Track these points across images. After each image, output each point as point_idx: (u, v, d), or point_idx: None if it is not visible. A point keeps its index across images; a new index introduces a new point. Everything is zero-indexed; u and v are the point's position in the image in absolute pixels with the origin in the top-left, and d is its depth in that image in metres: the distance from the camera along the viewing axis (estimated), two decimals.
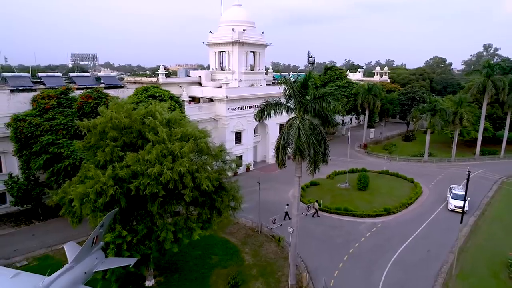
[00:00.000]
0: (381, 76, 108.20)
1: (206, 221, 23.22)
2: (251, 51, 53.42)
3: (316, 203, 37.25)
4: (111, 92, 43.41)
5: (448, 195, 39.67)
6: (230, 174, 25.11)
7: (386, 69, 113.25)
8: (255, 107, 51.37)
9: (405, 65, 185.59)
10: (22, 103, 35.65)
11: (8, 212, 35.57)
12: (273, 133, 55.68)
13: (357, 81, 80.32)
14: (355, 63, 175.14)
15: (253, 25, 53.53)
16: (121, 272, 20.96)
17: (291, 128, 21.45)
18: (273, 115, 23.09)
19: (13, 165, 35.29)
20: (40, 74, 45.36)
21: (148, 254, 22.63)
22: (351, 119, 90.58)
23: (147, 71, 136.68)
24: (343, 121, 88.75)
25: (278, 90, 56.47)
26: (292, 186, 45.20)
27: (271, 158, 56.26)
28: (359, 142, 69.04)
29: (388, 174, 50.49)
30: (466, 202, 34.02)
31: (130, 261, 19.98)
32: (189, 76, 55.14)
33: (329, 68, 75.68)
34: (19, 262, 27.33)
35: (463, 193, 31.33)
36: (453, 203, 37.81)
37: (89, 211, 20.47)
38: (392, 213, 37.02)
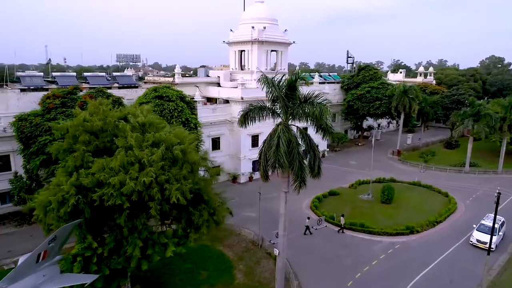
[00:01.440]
0: (425, 77, 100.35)
1: (183, 237, 20.95)
2: (272, 50, 50.61)
3: (342, 218, 33.41)
4: (124, 92, 42.84)
5: (475, 226, 31.44)
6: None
7: (431, 69, 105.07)
8: None
9: (458, 65, 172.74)
10: (31, 102, 35.72)
11: (15, 210, 35.75)
12: None
13: (396, 82, 74.42)
14: (403, 63, 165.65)
15: (275, 22, 50.68)
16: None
17: (274, 135, 18.56)
18: (257, 120, 20.28)
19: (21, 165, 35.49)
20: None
21: (123, 268, 20.82)
22: (388, 123, 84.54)
23: (191, 71, 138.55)
24: (379, 124, 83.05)
25: (304, 91, 53.62)
26: (308, 196, 41.98)
27: None
28: (392, 148, 63.60)
29: (420, 186, 45.37)
30: (496, 237, 28.75)
31: (89, 278, 18.18)
32: (209, 76, 53.52)
33: (363, 68, 70.69)
34: (7, 265, 26.81)
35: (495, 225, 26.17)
36: (476, 237, 30.03)
37: (52, 220, 19.03)
38: (415, 232, 32.56)
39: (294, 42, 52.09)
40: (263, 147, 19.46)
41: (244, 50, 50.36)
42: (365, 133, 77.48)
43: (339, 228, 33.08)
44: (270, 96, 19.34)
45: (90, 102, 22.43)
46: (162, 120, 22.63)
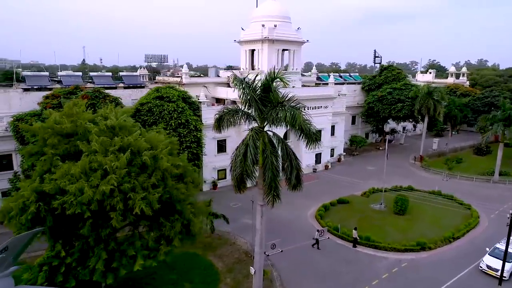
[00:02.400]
0: (457, 78, 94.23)
1: (154, 249, 19.46)
2: (284, 49, 48.42)
3: (355, 231, 30.40)
4: (129, 92, 42.26)
5: (488, 249, 27.57)
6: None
7: (464, 69, 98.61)
8: None
9: (498, 65, 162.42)
10: (34, 102, 35.71)
11: None
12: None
13: (424, 83, 69.76)
14: (439, 64, 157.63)
15: (288, 20, 48.44)
16: None
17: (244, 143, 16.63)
18: (231, 125, 18.41)
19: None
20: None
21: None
22: (414, 126, 79.86)
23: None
24: (404, 128, 78.66)
25: (314, 92, 51.14)
26: (316, 203, 39.54)
27: (304, 168, 50.41)
28: (415, 154, 59.53)
29: (440, 196, 41.72)
30: (510, 265, 25.04)
31: None
32: (219, 76, 52.12)
33: (386, 68, 66.93)
34: None
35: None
36: (487, 262, 25.92)
37: (15, 228, 18.15)
38: (427, 248, 29.48)
39: (307, 41, 49.61)
40: (235, 155, 17.51)
41: (254, 50, 48.49)
42: (388, 137, 73.50)
43: (353, 243, 30.30)
44: (243, 98, 17.42)
45: (67, 103, 21.48)
46: (135, 123, 21.22)
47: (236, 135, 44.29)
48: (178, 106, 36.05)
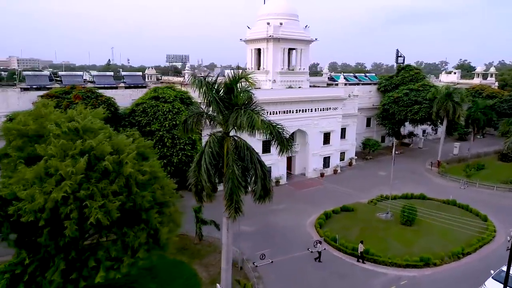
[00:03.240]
0: (484, 78, 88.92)
1: (119, 260, 18.22)
2: (290, 48, 46.51)
3: (361, 244, 27.78)
4: (130, 92, 41.66)
5: (492, 272, 24.26)
6: None
7: (492, 69, 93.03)
8: (291, 112, 44.68)
9: None
10: (31, 101, 35.51)
11: None
12: (315, 143, 48.02)
13: (448, 84, 65.77)
14: (470, 64, 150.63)
15: (295, 18, 46.51)
16: None
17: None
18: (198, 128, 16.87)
19: None
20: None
21: None
22: (435, 129, 75.76)
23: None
24: (424, 131, 74.76)
25: (322, 93, 48.88)
26: (317, 210, 37.37)
27: (310, 172, 48.60)
28: (433, 159, 56.01)
29: (455, 206, 38.67)
30: None
31: None
32: (224, 76, 50.78)
33: (403, 68, 63.60)
34: None
35: None
36: (489, 286, 23.01)
37: None
38: (431, 265, 26.96)
39: (316, 39, 47.48)
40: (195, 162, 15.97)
41: (261, 49, 46.85)
42: (406, 140, 69.97)
43: (358, 257, 27.88)
44: (204, 100, 15.86)
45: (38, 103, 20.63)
46: (105, 125, 20.07)
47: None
48: (174, 107, 34.93)
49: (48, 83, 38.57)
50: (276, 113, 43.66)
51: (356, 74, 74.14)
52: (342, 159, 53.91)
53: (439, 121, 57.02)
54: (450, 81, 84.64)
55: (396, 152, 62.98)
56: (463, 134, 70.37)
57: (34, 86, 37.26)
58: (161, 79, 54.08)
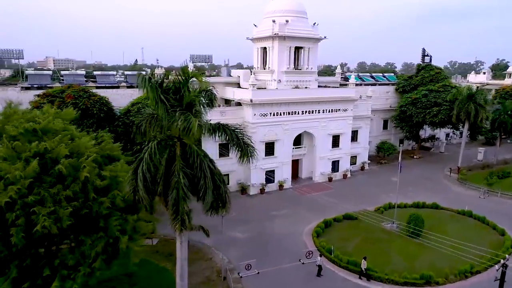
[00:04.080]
0: None
1: (76, 269, 17.22)
2: (297, 46, 44.54)
3: (364, 261, 25.41)
4: (130, 91, 41.27)
5: None
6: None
7: None
8: (296, 113, 42.81)
9: None
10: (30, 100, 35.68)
11: None
12: (323, 146, 45.89)
13: (469, 84, 61.50)
14: (507, 63, 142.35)
15: (303, 15, 44.52)
16: None
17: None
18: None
19: None
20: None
21: None
22: (460, 133, 71.14)
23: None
24: (448, 134, 70.46)
25: (331, 93, 46.53)
26: (318, 217, 35.28)
27: (318, 176, 46.47)
28: (454, 164, 52.32)
29: (470, 217, 35.55)
30: None
31: None
32: (231, 76, 49.57)
33: (423, 68, 59.97)
34: None
35: None
36: None
37: None
38: (433, 283, 24.49)
39: (325, 37, 45.26)
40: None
41: (266, 47, 45.19)
42: (428, 144, 66.11)
43: (359, 274, 25.61)
44: (150, 101, 14.51)
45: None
46: (70, 126, 19.15)
47: None
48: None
49: (49, 82, 38.76)
50: (280, 114, 41.95)
51: (374, 74, 70.89)
52: (353, 163, 51.39)
53: (460, 124, 53.27)
54: (478, 82, 79.83)
55: (415, 157, 59.82)
56: (490, 139, 65.69)
57: (35, 85, 37.42)
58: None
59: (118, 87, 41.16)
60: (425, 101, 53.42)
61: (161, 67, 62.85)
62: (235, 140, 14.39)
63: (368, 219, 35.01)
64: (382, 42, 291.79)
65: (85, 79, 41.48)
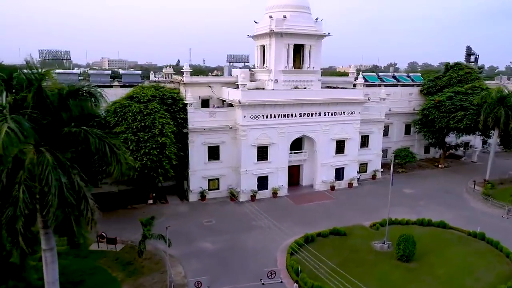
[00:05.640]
0: None
1: None
2: (298, 44, 41.31)
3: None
4: (122, 91, 40.54)
5: None
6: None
7: None
8: (293, 115, 39.79)
9: None
10: None
11: None
12: (324, 152, 42.40)
13: (500, 86, 54.30)
14: None
15: (305, 10, 41.16)
16: None
17: None
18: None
19: None
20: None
21: None
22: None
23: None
24: (485, 142, 63.00)
25: (335, 95, 42.62)
26: (302, 231, 31.80)
27: (318, 184, 42.93)
28: (480, 177, 46.15)
29: (482, 240, 30.45)
30: None
31: None
32: (231, 76, 47.37)
33: (451, 67, 53.74)
34: None
35: None
36: None
37: None
38: None
39: (329, 34, 41.59)
40: None
41: (265, 45, 42.47)
42: (459, 151, 59.41)
43: None
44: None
45: None
46: None
47: (231, 140, 39.35)
48: (147, 107, 32.53)
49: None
50: (275, 117, 39.04)
51: (396, 74, 65.25)
52: (363, 171, 47.11)
53: (491, 131, 46.98)
54: None
55: (439, 166, 53.92)
56: None
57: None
58: (171, 78, 52.63)
59: (111, 86, 40.78)
60: (449, 105, 47.66)
61: (168, 66, 62.37)
62: (109, 153, 12.09)
63: (358, 236, 31.27)
64: (436, 41, 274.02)
65: (110, 79, 42.74)
